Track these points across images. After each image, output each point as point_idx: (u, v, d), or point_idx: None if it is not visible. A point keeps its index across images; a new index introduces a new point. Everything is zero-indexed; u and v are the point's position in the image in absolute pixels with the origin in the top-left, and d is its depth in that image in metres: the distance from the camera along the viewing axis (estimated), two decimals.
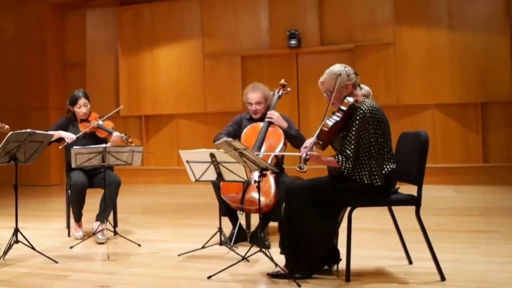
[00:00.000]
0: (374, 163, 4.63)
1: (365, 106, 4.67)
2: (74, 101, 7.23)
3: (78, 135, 6.98)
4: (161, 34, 14.76)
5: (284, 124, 6.52)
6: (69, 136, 6.92)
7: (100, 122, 7.20)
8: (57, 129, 7.14)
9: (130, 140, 6.96)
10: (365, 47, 12.93)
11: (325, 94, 4.92)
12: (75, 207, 6.99)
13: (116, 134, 7.01)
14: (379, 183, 4.62)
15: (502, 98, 12.14)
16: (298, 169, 4.57)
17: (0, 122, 6.29)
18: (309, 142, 4.74)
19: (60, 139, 7.05)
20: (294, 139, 6.45)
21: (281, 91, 6.76)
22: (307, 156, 4.64)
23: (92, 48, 15.43)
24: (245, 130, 6.70)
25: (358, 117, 4.63)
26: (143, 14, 14.90)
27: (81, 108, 7.18)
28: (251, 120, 6.78)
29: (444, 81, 12.58)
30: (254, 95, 6.66)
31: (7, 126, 6.26)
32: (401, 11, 12.86)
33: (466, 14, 12.53)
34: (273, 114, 6.51)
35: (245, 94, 6.80)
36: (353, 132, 4.63)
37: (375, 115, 4.66)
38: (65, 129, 7.25)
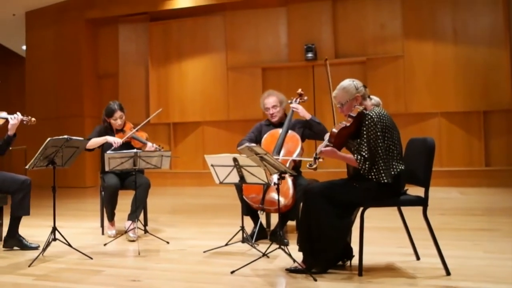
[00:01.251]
0: (382, 163, 4.66)
1: (373, 113, 4.73)
2: (110, 114, 7.27)
3: (123, 139, 7.06)
4: (188, 47, 14.97)
5: (308, 115, 6.60)
6: (115, 141, 6.99)
7: (135, 134, 7.27)
8: (99, 136, 7.26)
9: (162, 148, 6.94)
10: (376, 60, 13.07)
11: (338, 106, 4.99)
12: (108, 207, 7.08)
13: (149, 145, 7.06)
14: (385, 181, 4.66)
15: (503, 107, 12.29)
16: (308, 166, 4.77)
17: (27, 116, 6.28)
18: (321, 144, 4.82)
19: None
20: (319, 126, 6.51)
21: (298, 99, 6.81)
22: (318, 156, 4.75)
23: (124, 61, 15.68)
24: (265, 136, 6.73)
25: (366, 122, 4.69)
26: (171, 29, 15.15)
27: (117, 120, 7.25)
28: (270, 125, 6.86)
29: (449, 91, 12.74)
30: (270, 99, 6.77)
31: (33, 119, 6.29)
32: (409, 27, 13.05)
33: (469, 29, 12.71)
34: (298, 107, 6.64)
35: (262, 101, 6.93)
36: (364, 136, 4.69)
37: (383, 121, 4.71)
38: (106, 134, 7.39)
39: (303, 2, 13.81)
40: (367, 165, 4.65)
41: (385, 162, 4.67)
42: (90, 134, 7.38)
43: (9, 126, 6.17)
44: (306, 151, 6.73)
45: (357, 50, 13.48)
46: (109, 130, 7.32)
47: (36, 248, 6.16)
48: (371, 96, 5.03)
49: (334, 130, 4.72)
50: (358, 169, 4.73)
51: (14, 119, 6.15)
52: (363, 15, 13.55)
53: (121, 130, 7.32)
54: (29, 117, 6.23)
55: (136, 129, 7.27)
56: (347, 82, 4.91)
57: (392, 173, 4.71)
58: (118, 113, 7.21)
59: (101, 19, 15.76)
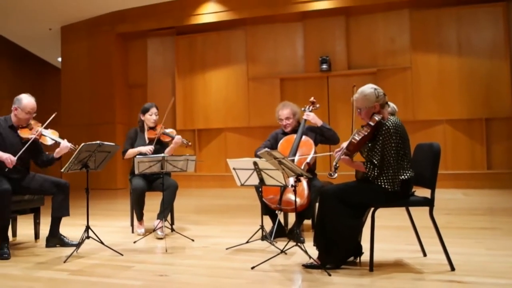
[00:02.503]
0: (391, 172, 4.68)
1: (390, 123, 4.70)
2: (146, 110, 7.37)
3: (152, 147, 7.07)
4: (211, 59, 15.18)
5: (320, 122, 6.62)
6: (149, 150, 7.08)
7: (164, 129, 7.33)
8: (131, 144, 7.33)
9: (190, 143, 7.15)
10: (386, 71, 13.26)
11: (357, 110, 4.97)
12: (137, 208, 7.12)
13: (177, 137, 7.16)
14: (396, 189, 4.68)
15: (503, 114, 12.49)
16: (328, 176, 4.72)
17: (74, 144, 6.24)
18: (340, 150, 4.81)
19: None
20: (329, 131, 6.58)
21: (310, 107, 6.81)
22: (337, 165, 4.72)
23: (152, 72, 15.95)
24: (281, 141, 6.75)
25: (383, 132, 4.68)
26: (196, 42, 15.38)
27: (152, 115, 7.32)
28: (285, 134, 6.85)
29: (453, 100, 12.91)
30: (284, 111, 6.78)
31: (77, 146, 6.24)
32: (416, 40, 13.24)
33: (472, 42, 12.87)
34: (309, 115, 6.64)
35: (277, 112, 6.92)
36: (379, 144, 4.70)
37: (398, 131, 4.69)
38: (135, 140, 7.41)
39: (319, 17, 13.94)
40: (375, 172, 4.69)
41: (395, 171, 4.69)
42: (125, 143, 7.47)
43: (58, 150, 6.23)
44: (320, 157, 6.95)
45: (368, 61, 13.63)
46: (142, 130, 7.47)
47: (76, 245, 6.11)
48: (389, 103, 5.02)
49: (354, 140, 4.71)
50: (367, 175, 4.78)
51: (64, 146, 6.18)
52: (374, 29, 13.72)
53: (153, 128, 7.39)
54: (76, 146, 6.16)
55: (162, 126, 7.31)
56: (368, 90, 4.88)
57: (401, 178, 4.72)
58: (154, 109, 7.34)
59: (131, 33, 16.06)
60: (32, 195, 6.38)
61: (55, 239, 6.24)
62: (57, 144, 6.23)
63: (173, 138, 7.19)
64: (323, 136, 6.64)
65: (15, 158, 5.90)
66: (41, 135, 6.20)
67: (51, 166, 6.59)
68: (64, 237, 6.29)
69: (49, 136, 6.21)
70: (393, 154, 4.66)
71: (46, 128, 6.25)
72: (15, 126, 6.20)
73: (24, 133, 6.19)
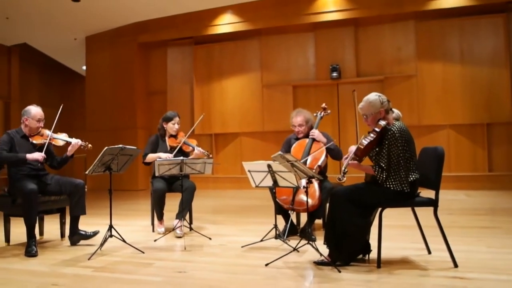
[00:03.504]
0: (403, 173, 4.72)
1: (395, 128, 4.75)
2: (169, 119, 7.45)
3: (173, 153, 7.18)
4: (227, 67, 15.31)
5: (324, 140, 6.62)
6: (168, 157, 7.12)
7: (186, 140, 7.37)
8: (151, 149, 7.40)
9: (210, 156, 6.98)
10: (392, 78, 13.37)
11: (364, 117, 5.01)
12: (157, 208, 7.19)
13: (198, 150, 7.17)
14: (406, 190, 4.73)
15: (504, 120, 12.58)
16: (337, 180, 4.79)
17: (85, 142, 6.40)
18: (348, 157, 4.85)
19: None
20: (332, 152, 6.55)
21: (322, 113, 6.94)
22: (346, 169, 4.77)
23: (172, 79, 16.05)
24: (294, 145, 6.81)
25: (389, 136, 4.72)
26: (213, 51, 15.50)
27: (175, 124, 7.40)
28: (297, 139, 6.91)
29: (456, 106, 12.99)
30: (297, 119, 6.82)
31: (90, 145, 6.42)
32: (421, 49, 13.34)
33: (474, 51, 12.95)
34: (314, 133, 6.64)
35: (291, 119, 6.95)
36: (386, 148, 4.73)
37: (403, 135, 4.74)
38: (156, 145, 7.47)
39: (329, 28, 14.04)
40: (384, 175, 4.74)
41: (406, 172, 4.74)
42: (146, 147, 7.53)
43: (69, 148, 6.36)
44: (330, 160, 6.82)
45: (376, 70, 13.75)
46: (163, 137, 7.55)
47: (96, 233, 6.41)
48: (393, 109, 5.07)
49: (361, 146, 4.76)
50: (375, 177, 4.83)
51: (75, 143, 6.34)
52: (382, 39, 13.81)
53: (174, 136, 7.49)
54: (86, 142, 6.39)
55: (187, 135, 7.45)
56: (373, 97, 4.95)
57: (410, 179, 4.77)
58: (177, 119, 7.45)
59: (152, 43, 16.18)
60: (57, 196, 6.49)
61: (76, 236, 6.37)
62: (68, 144, 6.39)
63: (193, 148, 7.29)
64: (328, 153, 6.63)
65: (43, 153, 6.13)
66: (52, 138, 6.38)
67: (66, 165, 6.68)
68: (83, 231, 6.42)
69: (60, 137, 6.42)
70: (401, 156, 4.71)
71: (54, 132, 6.43)
72: (27, 135, 6.38)
73: (37, 140, 6.37)
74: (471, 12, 12.94)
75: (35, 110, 6.35)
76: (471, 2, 12.53)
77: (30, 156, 6.03)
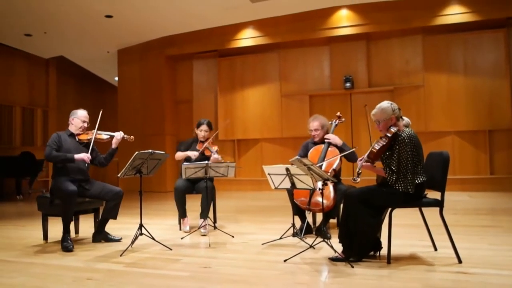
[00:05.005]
0: (410, 176, 4.74)
1: (405, 134, 4.79)
2: (198, 125, 7.63)
3: (198, 154, 7.32)
4: (249, 78, 15.55)
5: (340, 142, 6.68)
6: (195, 154, 7.33)
7: (209, 145, 7.46)
8: (185, 149, 7.53)
9: (223, 162, 6.92)
10: (401, 89, 13.52)
11: (376, 123, 5.04)
12: (179, 206, 7.27)
13: (214, 156, 7.28)
14: (411, 192, 4.75)
15: (504, 127, 12.73)
16: (352, 180, 4.82)
17: (128, 135, 6.51)
18: (361, 160, 4.90)
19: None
20: (347, 155, 6.44)
21: (337, 120, 6.95)
22: (360, 171, 4.83)
23: (197, 89, 16.34)
24: (310, 150, 6.84)
25: (399, 142, 4.76)
26: (235, 63, 15.74)
27: (202, 131, 7.55)
28: (314, 144, 6.95)
29: (460, 114, 13.14)
30: (314, 123, 6.88)
31: (132, 137, 6.51)
32: (428, 62, 13.50)
33: (477, 63, 13.11)
34: (330, 137, 6.69)
35: (308, 123, 7.00)
36: (396, 152, 4.77)
37: (412, 141, 4.77)
38: (189, 146, 7.62)
39: (343, 42, 14.22)
40: (394, 177, 4.76)
41: (413, 175, 4.76)
42: (180, 147, 7.68)
43: (114, 141, 6.50)
44: (344, 164, 6.97)
45: (386, 80, 13.93)
46: (195, 141, 7.70)
47: (119, 240, 6.45)
48: (403, 117, 5.09)
49: (374, 149, 4.82)
50: (386, 179, 4.86)
51: (118, 135, 6.48)
52: (391, 52, 13.97)
53: (202, 142, 7.56)
54: (129, 135, 6.52)
55: (209, 140, 7.53)
56: (385, 104, 5.00)
57: (416, 182, 4.79)
58: (204, 127, 7.57)
59: (179, 56, 16.42)
60: (94, 199, 6.58)
61: (100, 235, 6.48)
62: (111, 138, 6.54)
63: (212, 153, 7.36)
64: (344, 157, 6.60)
65: (89, 154, 6.30)
66: (97, 134, 6.51)
67: (102, 167, 6.89)
68: (108, 233, 6.52)
69: (104, 133, 6.55)
70: (409, 161, 4.73)
71: (98, 129, 6.56)
72: (74, 134, 6.56)
73: (82, 137, 6.55)
74: (474, 27, 13.05)
75: (81, 112, 6.60)
76: (474, 18, 12.69)
77: (77, 156, 6.20)
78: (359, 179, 4.82)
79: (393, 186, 4.81)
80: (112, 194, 6.42)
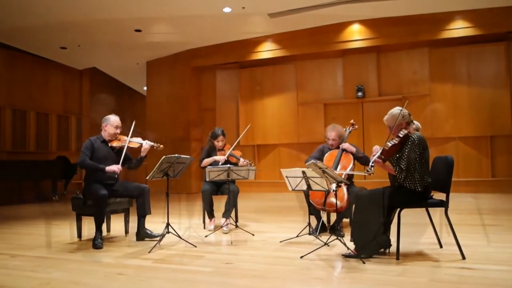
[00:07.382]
0: (418, 175, 4.80)
1: (415, 136, 4.85)
2: (215, 137, 7.59)
3: (225, 156, 7.31)
4: (268, 88, 15.77)
5: (353, 149, 6.69)
6: (221, 159, 7.33)
7: (232, 152, 7.44)
8: (208, 156, 7.54)
9: (252, 164, 7.03)
10: (409, 97, 12.75)
11: (388, 128, 5.09)
12: (206, 207, 7.33)
13: (241, 161, 7.25)
14: (419, 189, 4.81)
15: (505, 133, 12.82)
16: (365, 172, 4.79)
17: (157, 143, 6.38)
18: (375, 156, 4.83)
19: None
20: (361, 159, 6.61)
21: (350, 128, 6.96)
22: (373, 164, 4.78)
23: (220, 98, 16.59)
24: (326, 155, 6.84)
25: (409, 142, 4.81)
26: (255, 74, 15.98)
27: (219, 142, 7.55)
28: (330, 149, 6.97)
29: (464, 121, 13.26)
30: (332, 133, 6.87)
31: (161, 146, 6.40)
32: (434, 72, 13.65)
33: (479, 74, 13.23)
34: (344, 145, 6.69)
35: (326, 131, 7.00)
36: (406, 152, 4.79)
37: (421, 143, 4.83)
38: (209, 156, 7.56)
39: (355, 54, 14.38)
40: (403, 175, 4.80)
41: (421, 175, 4.82)
42: (201, 155, 7.66)
43: (142, 149, 6.39)
44: (357, 165, 6.83)
45: (395, 90, 14.03)
46: (214, 149, 7.65)
47: (158, 235, 6.31)
48: (414, 121, 5.17)
49: (386, 147, 4.79)
50: (396, 180, 4.90)
51: (147, 144, 6.35)
52: (400, 64, 14.11)
53: (221, 149, 7.58)
54: (159, 144, 6.40)
55: (232, 148, 7.48)
56: (396, 110, 5.06)
57: (424, 183, 4.85)
58: (221, 137, 7.56)
59: (203, 67, 16.62)
60: (124, 198, 6.62)
61: (142, 234, 6.45)
62: (141, 145, 6.43)
63: (238, 159, 7.36)
64: (357, 161, 6.71)
65: (120, 165, 6.25)
66: (130, 141, 6.42)
67: (132, 170, 6.87)
68: (150, 231, 6.47)
69: (136, 140, 6.44)
70: (418, 161, 4.80)
71: (131, 137, 6.49)
72: (106, 140, 6.52)
73: (115, 143, 6.50)
74: (477, 40, 13.15)
75: (113, 118, 6.55)
76: (476, 32, 12.78)
77: (108, 168, 6.17)
78: (372, 170, 4.80)
79: (402, 184, 4.88)
80: (140, 190, 6.46)
